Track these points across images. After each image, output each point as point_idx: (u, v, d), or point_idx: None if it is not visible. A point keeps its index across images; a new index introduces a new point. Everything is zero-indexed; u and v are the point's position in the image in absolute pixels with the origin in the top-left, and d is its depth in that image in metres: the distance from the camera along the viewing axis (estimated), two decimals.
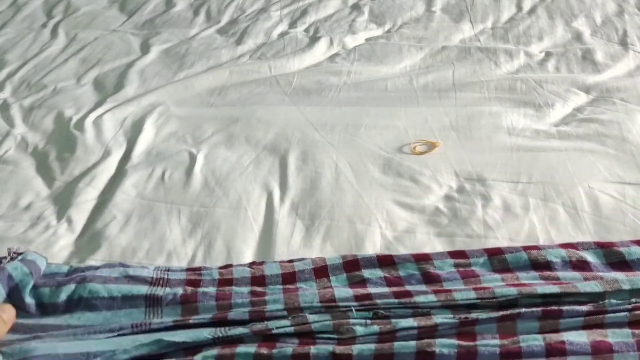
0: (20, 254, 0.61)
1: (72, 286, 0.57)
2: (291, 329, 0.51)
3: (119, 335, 0.52)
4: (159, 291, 0.57)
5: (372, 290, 0.56)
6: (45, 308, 0.57)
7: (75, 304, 0.56)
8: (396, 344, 0.49)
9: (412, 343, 0.49)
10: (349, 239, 0.66)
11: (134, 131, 0.87)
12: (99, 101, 0.96)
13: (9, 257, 0.60)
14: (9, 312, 0.54)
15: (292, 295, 0.56)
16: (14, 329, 0.54)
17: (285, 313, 0.53)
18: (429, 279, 0.57)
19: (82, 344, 0.51)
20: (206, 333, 0.51)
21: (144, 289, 0.57)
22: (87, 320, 0.55)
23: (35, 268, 0.59)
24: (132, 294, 0.57)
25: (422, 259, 0.59)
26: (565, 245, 0.60)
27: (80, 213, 0.72)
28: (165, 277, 0.59)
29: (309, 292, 0.56)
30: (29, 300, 0.57)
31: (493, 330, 0.51)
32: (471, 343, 0.49)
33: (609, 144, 0.77)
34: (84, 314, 0.56)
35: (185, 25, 1.22)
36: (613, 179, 0.71)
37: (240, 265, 0.61)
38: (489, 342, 0.49)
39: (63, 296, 0.57)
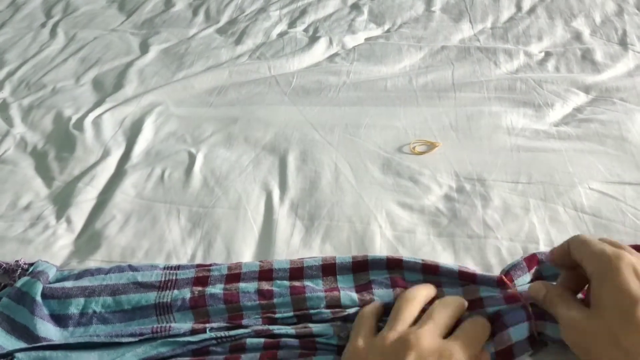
0: (31, 264, 0.61)
1: (81, 300, 0.57)
2: (293, 331, 0.52)
3: (140, 341, 0.52)
4: (167, 297, 0.57)
5: (377, 294, 0.56)
6: (57, 319, 0.56)
7: (89, 317, 0.56)
8: None
9: None
10: (349, 239, 0.65)
11: (133, 131, 0.87)
12: (98, 101, 0.96)
13: (19, 270, 0.60)
14: None
15: (300, 299, 0.56)
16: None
17: (294, 320, 0.54)
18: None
19: (95, 354, 0.52)
20: (209, 333, 0.52)
21: (152, 297, 0.57)
22: (102, 332, 0.55)
23: (45, 278, 0.59)
24: (140, 304, 0.57)
25: (430, 269, 0.58)
26: (531, 261, 0.57)
27: (79, 213, 0.72)
28: (174, 277, 0.59)
29: (315, 296, 0.56)
30: (44, 311, 0.56)
31: None
32: None
33: (609, 144, 0.76)
34: (99, 326, 0.56)
35: (185, 25, 1.22)
36: (613, 179, 0.71)
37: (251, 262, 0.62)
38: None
39: (73, 309, 0.57)
